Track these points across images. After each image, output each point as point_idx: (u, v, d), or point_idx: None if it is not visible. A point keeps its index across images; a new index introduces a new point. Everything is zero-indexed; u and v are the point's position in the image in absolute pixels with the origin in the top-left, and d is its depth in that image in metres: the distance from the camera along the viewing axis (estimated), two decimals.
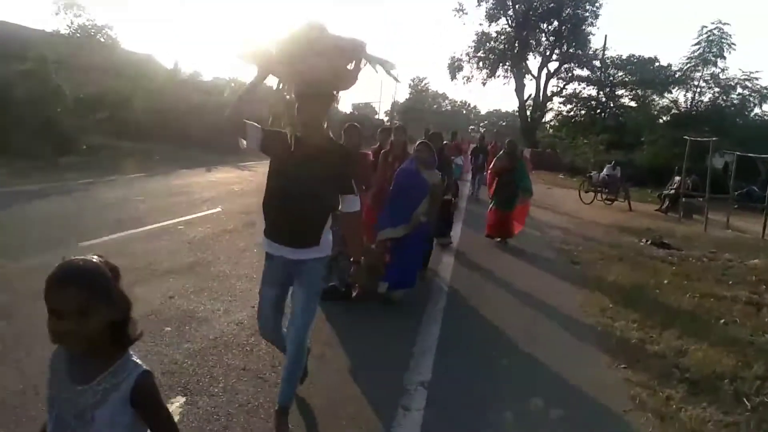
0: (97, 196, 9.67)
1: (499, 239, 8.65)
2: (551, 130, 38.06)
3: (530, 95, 38.82)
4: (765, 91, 26.54)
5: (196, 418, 2.97)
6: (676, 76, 29.76)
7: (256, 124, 2.70)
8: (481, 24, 38.80)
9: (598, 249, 9.06)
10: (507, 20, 37.83)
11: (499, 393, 3.71)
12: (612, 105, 35.49)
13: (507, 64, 38.88)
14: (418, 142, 5.42)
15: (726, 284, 7.20)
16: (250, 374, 3.52)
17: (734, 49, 26.59)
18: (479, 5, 37.59)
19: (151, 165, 14.57)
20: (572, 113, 36.57)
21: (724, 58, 26.73)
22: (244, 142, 2.70)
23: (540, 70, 38.43)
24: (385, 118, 63.58)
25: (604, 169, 17.59)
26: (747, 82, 26.96)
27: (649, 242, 9.98)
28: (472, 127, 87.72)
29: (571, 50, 36.97)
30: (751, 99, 27.29)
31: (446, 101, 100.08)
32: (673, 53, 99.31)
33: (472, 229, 9.42)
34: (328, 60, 2.58)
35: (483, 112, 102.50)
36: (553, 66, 38.38)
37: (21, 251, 5.69)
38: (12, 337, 3.80)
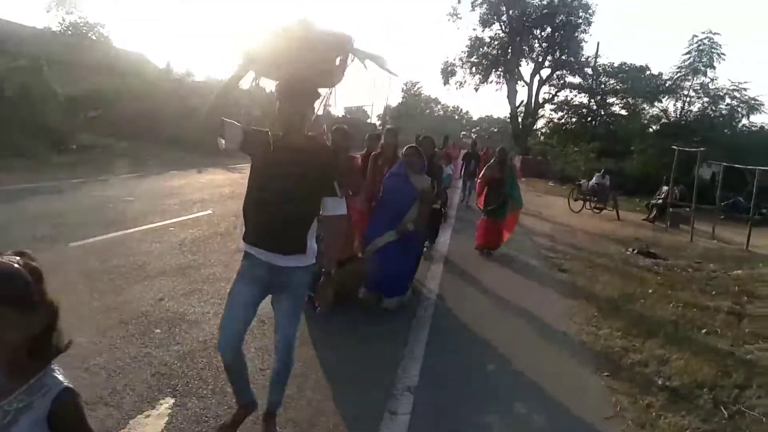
0: (88, 195, 9.66)
1: (485, 250, 8.56)
2: (542, 137, 38.28)
3: (522, 102, 39.03)
4: (753, 101, 26.83)
5: (185, 420, 3.01)
6: (667, 85, 30.03)
7: (235, 122, 2.57)
8: (474, 29, 39.08)
9: (585, 257, 9.18)
10: (501, 26, 38.05)
11: (485, 398, 3.78)
12: (603, 113, 35.73)
13: (500, 69, 39.07)
14: (407, 146, 5.32)
15: (709, 294, 7.32)
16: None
17: (724, 59, 26.90)
18: (473, 10, 37.79)
19: (142, 165, 14.53)
20: (563, 120, 36.82)
21: (714, 68, 27.03)
22: (223, 142, 2.55)
23: (532, 76, 38.68)
24: (378, 122, 63.67)
25: (594, 178, 17.74)
26: (736, 93, 27.23)
27: (635, 251, 10.11)
28: (464, 132, 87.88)
29: (563, 57, 37.23)
30: (740, 109, 27.56)
31: (438, 106, 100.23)
32: (664, 62, 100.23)
33: (462, 237, 9.48)
34: (312, 55, 2.48)
35: (475, 118, 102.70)
36: (545, 73, 38.64)
37: (6, 251, 5.68)
38: None
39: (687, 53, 27.49)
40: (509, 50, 37.68)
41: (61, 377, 1.25)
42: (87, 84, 19.53)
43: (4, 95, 13.72)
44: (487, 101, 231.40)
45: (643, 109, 32.58)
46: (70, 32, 26.07)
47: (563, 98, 37.55)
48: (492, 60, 38.84)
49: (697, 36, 26.93)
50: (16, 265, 1.17)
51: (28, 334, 1.17)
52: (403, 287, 5.30)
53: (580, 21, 36.11)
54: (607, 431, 3.48)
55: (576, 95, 36.98)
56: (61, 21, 26.32)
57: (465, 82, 40.37)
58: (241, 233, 2.70)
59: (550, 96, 38.46)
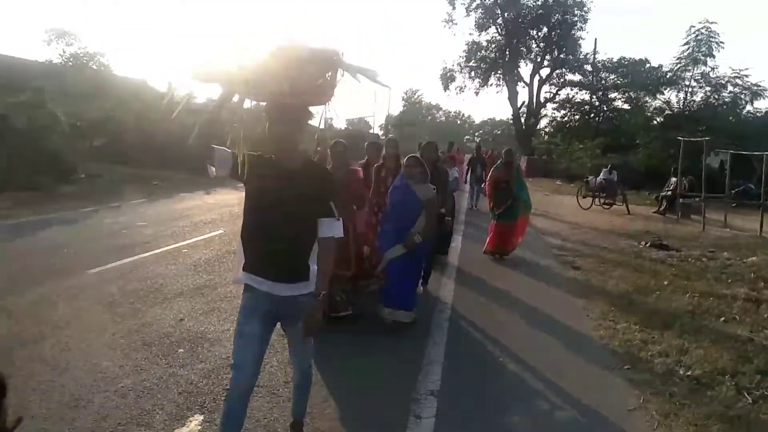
0: (100, 223, 9.78)
1: (498, 255, 8.41)
2: (546, 137, 38.26)
3: (524, 102, 39.05)
4: (756, 87, 26.77)
5: None
6: (668, 76, 30.01)
7: (225, 148, 2.44)
8: (471, 33, 39.12)
9: (598, 253, 9.18)
10: (497, 29, 38.17)
11: (508, 398, 3.81)
12: (605, 108, 35.74)
13: (499, 72, 39.14)
14: (407, 157, 5.17)
15: (725, 283, 7.30)
16: (263, 390, 3.62)
17: (723, 48, 26.86)
18: (468, 15, 37.95)
19: (150, 190, 14.70)
20: (566, 119, 36.84)
21: (714, 56, 27.00)
22: (213, 169, 2.45)
23: (532, 76, 38.70)
24: (380, 132, 63.93)
25: (601, 174, 17.71)
26: (737, 80, 27.20)
27: (648, 245, 10.08)
28: (467, 137, 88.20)
29: (561, 56, 37.28)
30: (743, 96, 27.52)
31: (440, 112, 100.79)
32: (663, 54, 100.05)
33: (473, 242, 9.42)
34: (299, 73, 2.35)
35: (477, 122, 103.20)
36: (544, 72, 38.64)
37: (29, 281, 5.81)
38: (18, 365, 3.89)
39: (685, 44, 27.51)
40: (507, 52, 37.75)
41: None
42: (91, 113, 19.80)
43: (11, 130, 13.93)
44: (488, 104, 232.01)
45: (646, 102, 32.57)
46: (71, 63, 26.53)
47: (564, 96, 37.64)
48: (490, 63, 38.93)
49: (694, 26, 26.95)
50: None
51: None
52: (411, 301, 5.10)
53: (576, 19, 36.17)
54: (632, 423, 3.49)
55: (577, 93, 37.08)
56: (62, 53, 26.82)
57: (465, 86, 40.47)
58: (239, 263, 2.59)
59: (552, 95, 38.50)
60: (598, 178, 17.45)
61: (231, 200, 13.70)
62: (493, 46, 38.81)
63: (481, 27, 38.05)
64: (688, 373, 4.21)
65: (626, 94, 34.41)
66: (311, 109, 2.57)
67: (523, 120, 38.95)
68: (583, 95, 36.48)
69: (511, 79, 38.51)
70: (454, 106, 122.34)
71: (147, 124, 20.20)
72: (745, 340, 5.01)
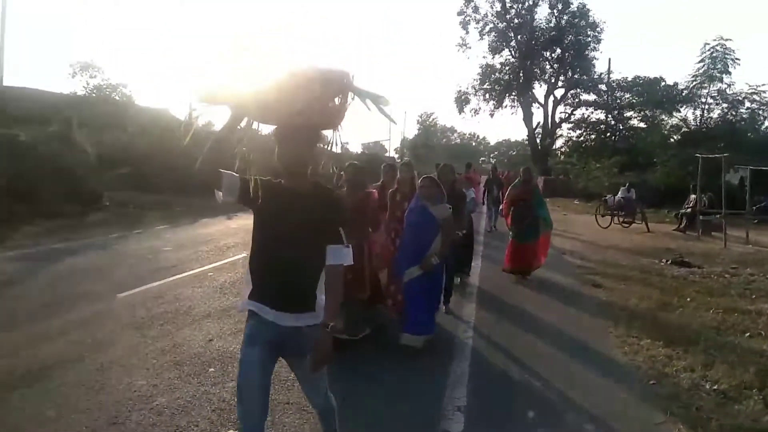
0: (127, 249, 10.01)
1: (519, 274, 8.29)
2: (562, 157, 38.27)
3: (539, 123, 39.23)
4: None
5: None
6: (683, 94, 30.02)
7: (233, 173, 2.36)
8: (485, 57, 39.58)
9: (619, 272, 9.16)
10: (510, 51, 38.63)
11: (534, 414, 3.84)
12: (621, 127, 35.77)
13: (513, 94, 39.46)
14: (422, 178, 5.12)
15: (749, 298, 7.27)
16: (294, 408, 3.71)
17: (738, 65, 26.88)
18: (482, 39, 38.48)
19: (173, 216, 15.00)
20: (582, 138, 36.91)
21: (729, 73, 27.03)
22: (220, 195, 2.36)
23: (546, 97, 38.96)
24: (396, 156, 64.27)
25: (619, 192, 17.68)
26: (755, 96, 27.15)
27: (669, 262, 10.04)
28: (482, 158, 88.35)
29: (575, 76, 37.55)
30: (761, 112, 27.43)
31: (455, 134, 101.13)
32: (678, 71, 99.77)
33: (493, 263, 9.38)
34: (308, 94, 2.26)
35: (492, 143, 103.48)
36: (559, 93, 38.93)
37: (63, 305, 5.99)
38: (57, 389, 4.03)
39: (700, 61, 27.61)
40: (521, 74, 38.08)
41: None
42: (115, 142, 20.34)
43: (40, 160, 14.36)
44: (503, 125, 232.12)
45: (662, 120, 32.53)
46: (94, 95, 27.34)
47: (580, 116, 37.78)
48: (505, 85, 39.28)
49: (708, 44, 27.03)
50: None
51: None
52: (429, 325, 5.02)
53: (589, 39, 36.51)
54: None
55: (592, 112, 37.23)
56: (86, 85, 27.69)
57: (480, 108, 40.86)
58: (245, 290, 2.49)
59: (566, 115, 38.73)
60: (617, 197, 17.42)
61: (251, 225, 13.91)
62: (507, 68, 39.23)
63: (494, 50, 38.59)
64: (714, 387, 4.22)
65: (642, 113, 34.43)
66: (322, 132, 2.48)
67: (538, 140, 39.06)
68: (599, 114, 36.67)
69: (526, 100, 38.79)
70: (469, 128, 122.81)
71: (168, 152, 20.68)
72: None
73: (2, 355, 4.53)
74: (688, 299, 7.10)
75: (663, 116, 32.47)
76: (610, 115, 35.76)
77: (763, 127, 28.09)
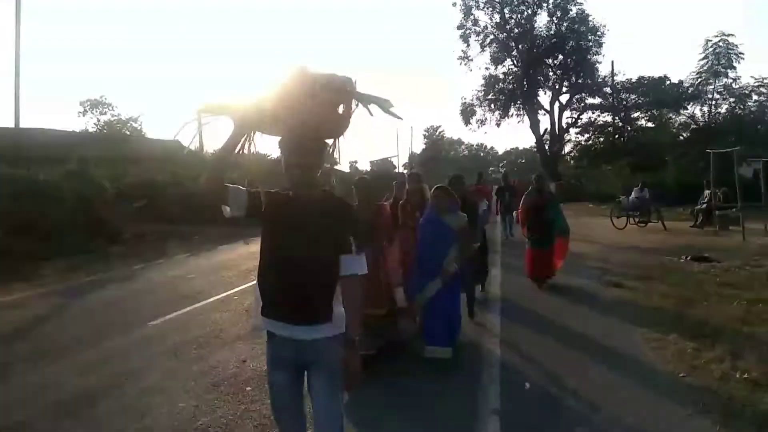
0: (152, 279, 10.20)
1: (538, 281, 8.27)
2: (572, 162, 38.25)
3: (546, 130, 39.25)
4: None
5: None
6: (689, 91, 30.03)
7: (239, 186, 2.35)
8: (487, 68, 39.78)
9: (639, 272, 9.14)
10: (512, 61, 38.81)
11: (570, 412, 3.92)
12: (629, 128, 35.75)
13: (518, 102, 39.54)
14: (434, 188, 5.12)
15: None
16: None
17: (743, 59, 26.90)
18: (483, 51, 38.72)
19: (192, 245, 15.23)
20: (591, 142, 36.91)
21: (734, 68, 27.05)
22: (228, 209, 2.34)
23: (552, 104, 38.99)
24: (404, 171, 64.45)
25: (633, 192, 17.63)
26: (762, 88, 27.11)
27: (689, 258, 10.02)
28: (492, 168, 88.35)
29: (579, 81, 37.59)
30: None
31: (462, 146, 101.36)
32: (682, 69, 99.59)
33: (513, 272, 9.33)
34: (314, 103, 2.24)
35: (501, 152, 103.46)
36: (564, 98, 38.93)
37: (98, 336, 6.15)
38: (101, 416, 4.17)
39: (703, 58, 27.69)
40: (525, 83, 38.22)
41: None
42: (129, 176, 20.76)
43: (62, 199, 14.71)
44: (510, 134, 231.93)
45: (670, 118, 32.51)
46: (105, 131, 27.96)
47: (587, 120, 37.79)
48: (509, 94, 39.39)
49: (710, 40, 27.10)
50: None
51: None
52: (453, 334, 5.01)
53: (590, 44, 36.60)
54: (694, 426, 3.57)
55: (599, 115, 37.23)
56: (96, 122, 28.36)
57: (486, 119, 40.91)
58: (257, 308, 2.45)
59: (573, 120, 38.72)
60: (631, 197, 17.37)
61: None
62: (511, 77, 39.35)
63: (496, 61, 38.76)
64: (745, 376, 4.27)
65: (649, 113, 34.43)
66: (327, 141, 2.46)
67: (547, 147, 39.05)
68: (606, 117, 36.65)
69: (531, 108, 38.85)
70: (476, 139, 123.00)
71: (182, 182, 21.05)
72: None
73: (48, 387, 4.69)
74: (711, 293, 7.12)
75: (670, 115, 32.48)
76: (617, 118, 35.81)
77: None
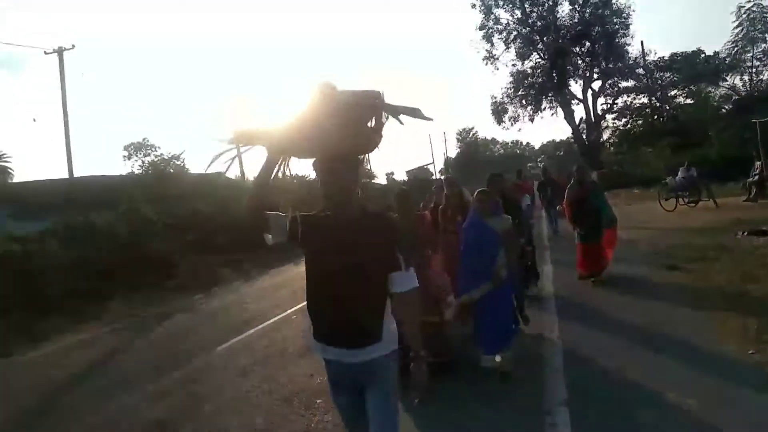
0: (212, 307, 10.60)
1: (592, 278, 7.90)
2: (612, 148, 37.48)
3: (581, 119, 38.54)
4: None
5: None
6: (726, 62, 29.13)
7: (279, 213, 2.37)
8: (514, 64, 39.41)
9: (695, 253, 8.85)
10: (539, 54, 38.38)
11: (638, 401, 3.91)
12: (668, 107, 34.85)
13: (550, 95, 39.01)
14: (476, 192, 4.98)
15: None
16: (404, 426, 3.92)
17: None
18: (508, 49, 38.44)
19: (244, 271, 15.66)
20: (629, 126, 36.10)
21: None
22: (270, 237, 2.37)
23: (585, 92, 38.23)
24: (441, 176, 64.25)
25: (679, 173, 17.18)
26: None
27: (746, 233, 9.74)
28: (530, 164, 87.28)
29: (610, 65, 36.84)
30: None
31: (497, 145, 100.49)
32: (716, 40, 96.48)
33: (564, 268, 9.07)
34: (345, 120, 2.20)
35: (537, 147, 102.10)
36: (596, 85, 38.17)
37: (170, 364, 6.46)
38: None
39: (738, 25, 26.82)
40: (554, 74, 37.73)
41: None
42: (178, 211, 21.52)
43: (117, 238, 15.42)
44: (545, 127, 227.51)
45: (709, 92, 31.56)
46: (150, 171, 29.09)
47: (622, 104, 36.97)
48: (539, 88, 38.90)
49: (743, 6, 26.27)
50: None
51: None
52: (507, 339, 4.75)
53: (617, 26, 35.87)
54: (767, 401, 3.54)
55: (635, 98, 36.34)
56: (141, 164, 29.55)
57: (518, 116, 40.46)
58: (309, 330, 2.46)
59: (609, 106, 37.90)
60: (677, 178, 16.93)
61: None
62: (539, 71, 38.84)
63: (522, 56, 38.32)
64: None
65: (686, 89, 33.49)
66: (361, 157, 2.45)
67: (584, 136, 38.35)
68: (642, 99, 35.76)
69: (564, 99, 38.23)
70: (511, 136, 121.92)
71: (228, 212, 21.68)
72: None
73: (126, 414, 4.98)
74: None
75: (709, 89, 31.54)
76: (653, 98, 34.93)
77: None
